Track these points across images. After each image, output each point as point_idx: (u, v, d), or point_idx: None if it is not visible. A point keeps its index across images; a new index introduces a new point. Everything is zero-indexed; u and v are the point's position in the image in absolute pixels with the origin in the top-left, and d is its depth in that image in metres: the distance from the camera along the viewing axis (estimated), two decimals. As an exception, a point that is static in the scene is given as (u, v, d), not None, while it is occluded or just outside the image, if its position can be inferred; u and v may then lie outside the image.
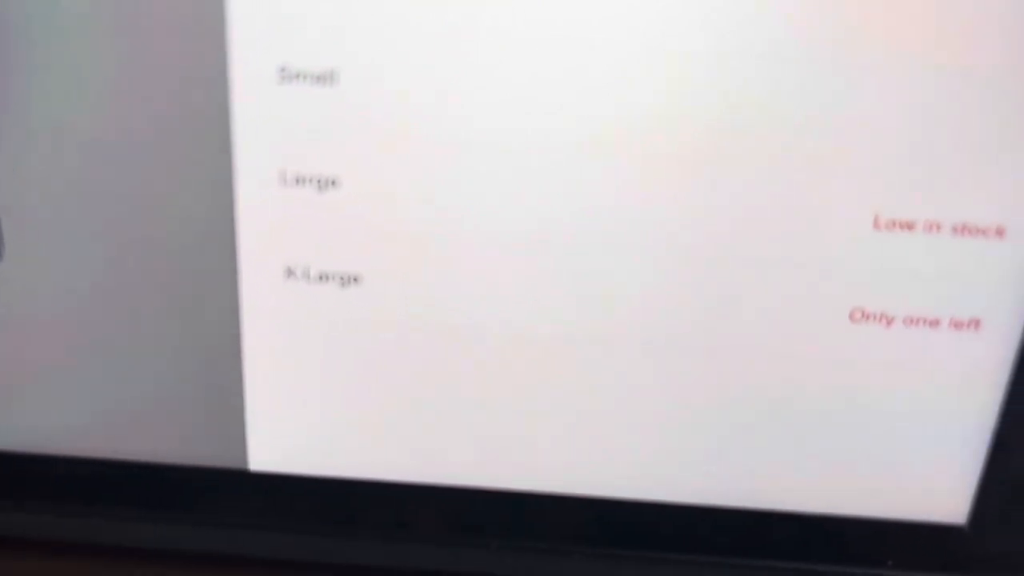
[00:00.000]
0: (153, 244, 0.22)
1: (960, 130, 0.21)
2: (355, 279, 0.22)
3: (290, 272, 0.22)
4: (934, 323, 0.22)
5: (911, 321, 0.22)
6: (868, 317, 0.22)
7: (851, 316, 0.22)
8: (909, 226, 0.22)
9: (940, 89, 0.20)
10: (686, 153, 0.21)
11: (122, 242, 0.22)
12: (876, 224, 0.22)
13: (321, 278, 0.22)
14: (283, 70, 0.21)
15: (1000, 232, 0.22)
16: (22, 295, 0.23)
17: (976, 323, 0.22)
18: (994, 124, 0.21)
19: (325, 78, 0.21)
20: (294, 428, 0.24)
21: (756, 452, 0.24)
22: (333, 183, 0.21)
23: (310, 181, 0.21)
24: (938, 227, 0.22)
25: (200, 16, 0.20)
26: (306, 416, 0.24)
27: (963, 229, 0.22)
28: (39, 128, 0.21)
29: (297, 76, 0.21)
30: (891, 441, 0.24)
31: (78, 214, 0.22)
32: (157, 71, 0.21)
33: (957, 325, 0.22)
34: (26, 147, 0.21)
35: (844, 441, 0.24)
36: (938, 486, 0.24)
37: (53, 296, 0.23)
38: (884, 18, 0.20)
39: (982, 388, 0.23)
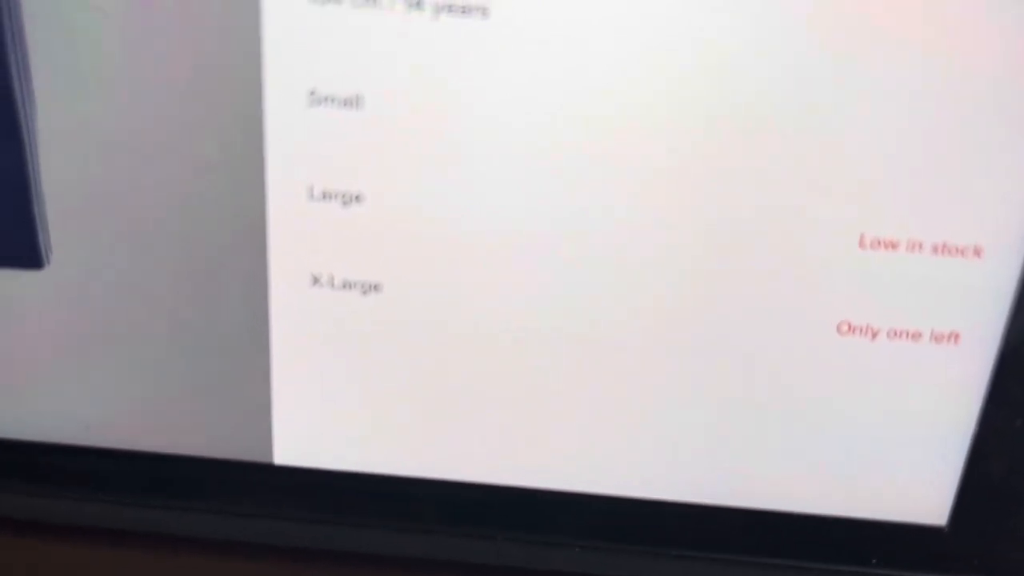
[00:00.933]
0: (190, 251, 0.24)
1: (941, 157, 0.22)
2: (376, 287, 0.24)
3: (316, 280, 0.24)
4: (916, 336, 0.24)
5: (894, 334, 0.24)
6: (854, 330, 0.24)
7: (838, 329, 0.24)
8: (893, 245, 0.23)
9: (922, 118, 0.22)
10: (692, 178, 0.23)
11: (163, 248, 0.24)
12: (862, 243, 0.23)
13: (344, 286, 0.24)
14: (312, 94, 0.22)
15: (978, 252, 0.23)
16: (65, 296, 0.25)
17: (955, 336, 0.24)
18: (972, 151, 0.22)
19: (351, 102, 0.22)
20: (317, 424, 0.26)
21: (749, 454, 0.25)
22: (357, 198, 0.23)
23: (336, 196, 0.23)
24: (920, 246, 0.23)
25: (237, 45, 0.22)
26: (329, 413, 0.26)
27: (943, 248, 0.23)
28: (92, 149, 0.23)
29: (325, 100, 0.22)
30: (876, 446, 0.25)
31: (122, 226, 0.24)
32: (198, 95, 0.22)
33: (938, 338, 0.24)
34: (77, 164, 0.23)
35: (832, 445, 0.25)
36: (920, 489, 0.26)
37: (94, 300, 0.25)
38: (871, 49, 0.21)
39: (961, 397, 0.25)
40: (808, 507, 0.26)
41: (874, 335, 0.24)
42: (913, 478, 0.26)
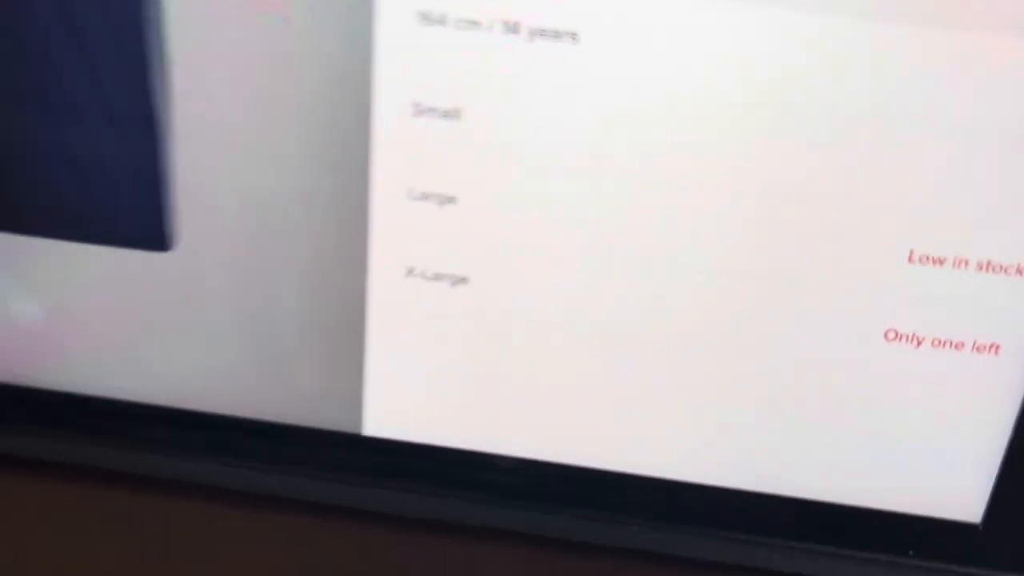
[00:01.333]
0: (299, 241, 0.27)
1: (989, 181, 0.24)
2: (464, 280, 0.27)
3: (410, 271, 0.27)
4: (959, 345, 0.26)
5: (938, 343, 0.26)
6: (900, 338, 0.26)
7: (885, 335, 0.26)
8: (940, 261, 0.25)
9: (971, 144, 0.24)
10: (759, 193, 0.25)
11: (276, 238, 0.27)
12: (911, 258, 0.25)
13: (436, 278, 0.27)
14: (416, 105, 0.25)
15: (1020, 270, 0.25)
16: (186, 276, 0.28)
17: (996, 347, 0.26)
18: (1019, 176, 0.24)
19: (451, 114, 0.25)
20: (406, 400, 0.28)
21: (798, 448, 0.27)
22: (451, 200, 0.26)
23: (432, 198, 0.26)
24: (966, 263, 0.25)
25: (352, 60, 0.24)
26: (417, 390, 0.28)
27: (988, 266, 0.25)
28: (218, 150, 0.26)
29: (428, 111, 0.25)
30: (916, 445, 0.27)
31: (241, 217, 0.27)
32: (313, 104, 0.25)
33: (979, 348, 0.26)
34: (204, 162, 0.26)
35: (875, 443, 0.27)
36: (957, 488, 0.28)
37: (211, 278, 0.28)
38: (925, 73, 0.23)
39: (999, 403, 0.26)
40: (851, 499, 0.28)
41: (919, 343, 0.26)
42: (950, 477, 0.27)
